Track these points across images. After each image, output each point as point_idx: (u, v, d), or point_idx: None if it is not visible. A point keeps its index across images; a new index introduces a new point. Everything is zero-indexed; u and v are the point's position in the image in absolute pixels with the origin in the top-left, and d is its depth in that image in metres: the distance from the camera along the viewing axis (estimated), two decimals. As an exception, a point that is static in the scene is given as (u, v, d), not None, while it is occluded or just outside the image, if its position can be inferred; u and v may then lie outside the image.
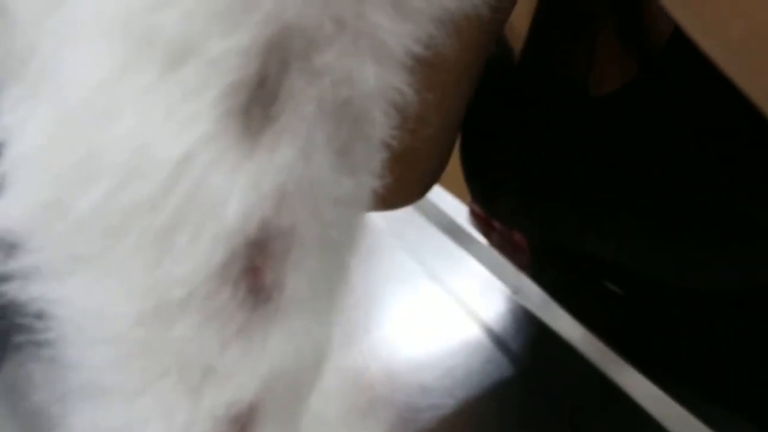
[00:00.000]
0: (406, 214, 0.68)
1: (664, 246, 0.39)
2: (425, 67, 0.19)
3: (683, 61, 0.36)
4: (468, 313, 0.51)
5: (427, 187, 0.44)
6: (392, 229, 0.66)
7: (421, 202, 0.71)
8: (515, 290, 0.52)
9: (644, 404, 0.40)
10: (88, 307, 0.19)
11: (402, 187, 0.41)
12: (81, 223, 0.18)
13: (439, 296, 0.54)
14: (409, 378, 0.46)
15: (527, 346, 0.47)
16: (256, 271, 0.19)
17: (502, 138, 0.45)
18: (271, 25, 0.17)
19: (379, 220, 0.67)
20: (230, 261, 0.18)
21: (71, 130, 0.17)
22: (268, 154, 0.17)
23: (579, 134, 0.41)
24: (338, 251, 0.22)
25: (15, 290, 0.19)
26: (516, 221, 0.51)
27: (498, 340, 0.48)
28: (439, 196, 0.71)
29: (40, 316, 0.20)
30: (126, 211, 0.17)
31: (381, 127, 0.20)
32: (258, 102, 0.17)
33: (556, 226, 0.44)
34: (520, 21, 0.44)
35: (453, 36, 0.19)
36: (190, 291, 0.18)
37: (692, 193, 0.37)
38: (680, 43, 0.36)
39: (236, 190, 0.17)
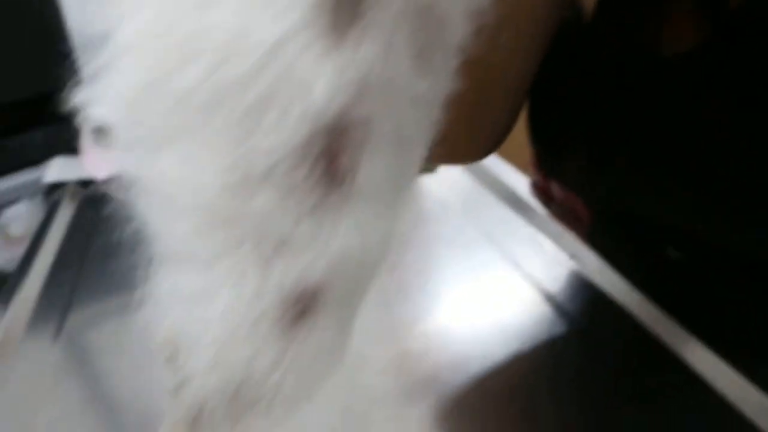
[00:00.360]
0: (469, 184, 0.69)
1: (728, 209, 0.38)
2: None
3: (759, 22, 0.35)
4: (524, 276, 0.52)
5: (494, 143, 0.45)
6: (456, 198, 0.67)
7: (483, 174, 0.72)
8: (572, 255, 0.52)
9: (696, 368, 0.40)
10: (179, 178, 0.21)
11: (471, 137, 0.42)
12: (179, 100, 0.19)
13: (497, 260, 0.56)
14: (464, 330, 0.47)
15: (581, 308, 0.47)
16: (332, 155, 0.20)
17: (570, 100, 0.45)
18: None
19: (444, 189, 0.68)
20: (310, 141, 0.19)
21: (175, 14, 0.19)
22: (353, 47, 0.19)
23: (647, 95, 0.41)
24: (409, 150, 0.23)
25: (114, 163, 0.21)
26: (580, 185, 0.51)
27: (553, 301, 0.48)
28: (499, 167, 0.72)
29: (130, 186, 0.22)
30: (221, 88, 0.19)
31: (459, 34, 0.21)
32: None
33: (621, 188, 0.44)
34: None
35: None
36: (272, 165, 0.19)
37: (760, 158, 0.36)
38: (757, 3, 0.35)
39: (322, 77, 0.18)
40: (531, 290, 0.50)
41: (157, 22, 0.19)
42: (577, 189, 0.53)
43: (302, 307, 0.23)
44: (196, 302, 0.24)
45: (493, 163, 0.72)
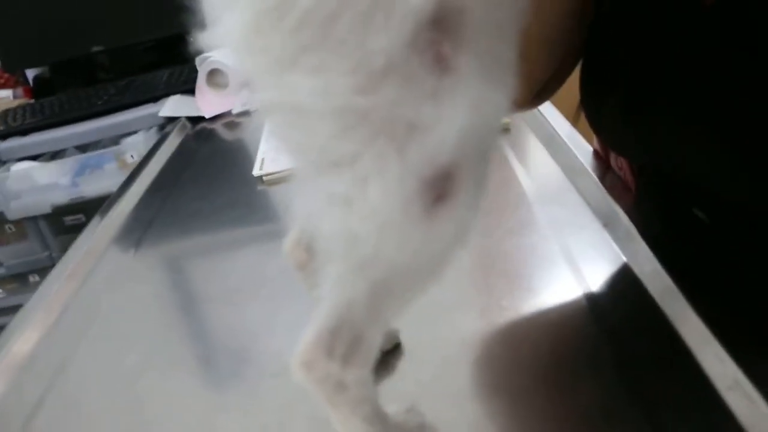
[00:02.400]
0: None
1: (756, 165, 0.37)
2: None
3: None
4: (555, 236, 0.52)
5: (533, 95, 0.45)
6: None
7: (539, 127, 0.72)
8: (605, 222, 0.52)
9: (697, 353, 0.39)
10: (313, 87, 0.24)
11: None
12: (303, 16, 0.22)
13: (535, 218, 0.57)
14: (490, 279, 0.49)
15: (601, 275, 0.47)
16: (438, 43, 0.23)
17: (611, 52, 0.45)
18: None
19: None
20: (415, 35, 0.22)
21: None
22: None
23: (684, 43, 0.40)
24: (503, 33, 0.26)
25: (252, 88, 0.25)
26: (619, 138, 0.51)
27: (574, 264, 0.48)
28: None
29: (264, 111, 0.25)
30: (335, 3, 0.22)
31: None
32: None
33: (656, 140, 0.43)
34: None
35: None
36: (389, 59, 0.23)
37: None
38: None
39: None
40: (556, 249, 0.50)
41: None
42: (617, 144, 0.52)
43: (440, 189, 0.25)
44: (345, 204, 0.26)
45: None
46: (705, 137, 0.39)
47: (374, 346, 0.31)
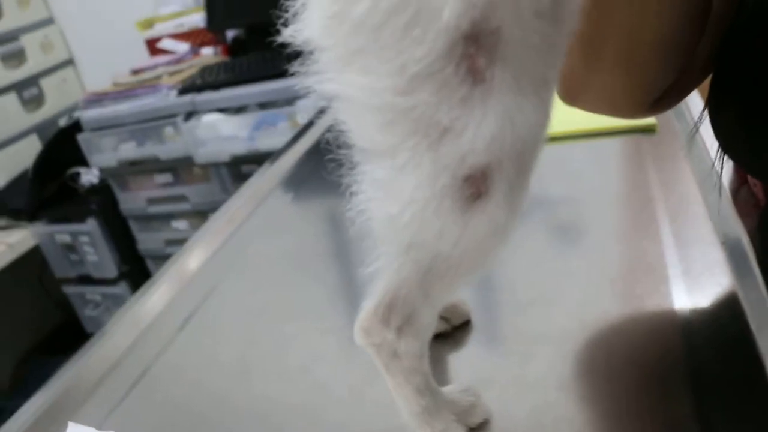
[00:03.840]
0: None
1: None
2: None
3: None
4: (669, 246, 0.52)
5: (654, 102, 0.45)
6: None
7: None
8: (724, 240, 0.51)
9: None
10: (363, 85, 0.27)
11: (629, 91, 0.43)
12: (355, 25, 0.26)
13: (655, 224, 0.56)
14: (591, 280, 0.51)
15: (705, 294, 0.46)
16: (472, 57, 0.26)
17: (743, 64, 0.43)
18: None
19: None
20: (451, 47, 0.26)
21: None
22: None
23: None
24: (540, 55, 0.28)
25: (314, 84, 0.29)
26: (737, 149, 0.49)
27: (680, 278, 0.48)
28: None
29: (333, 100, 0.29)
30: (383, 14, 0.26)
31: None
32: None
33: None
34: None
35: None
36: (427, 66, 0.26)
37: None
38: None
39: (448, 3, 0.25)
40: (675, 260, 0.50)
41: None
42: (731, 150, 0.50)
43: (476, 188, 0.28)
44: (386, 190, 0.29)
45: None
46: None
47: (428, 322, 0.33)
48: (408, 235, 0.30)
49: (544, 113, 0.29)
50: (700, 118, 0.46)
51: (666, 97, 0.46)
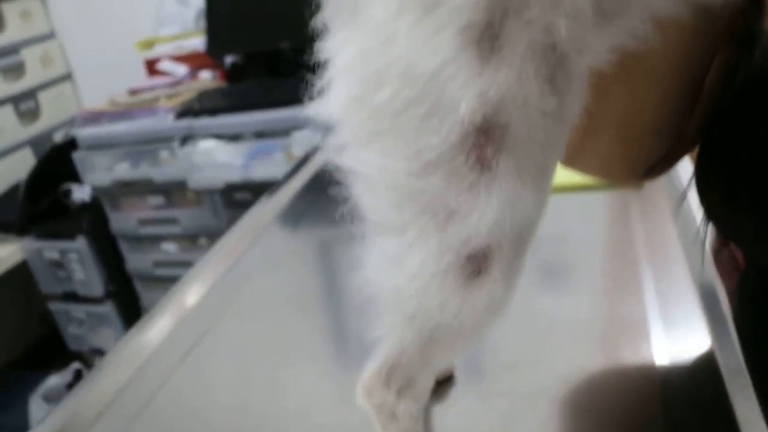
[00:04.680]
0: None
1: None
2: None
3: None
4: (651, 303, 0.54)
5: (648, 171, 0.46)
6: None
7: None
8: (705, 301, 0.53)
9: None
10: (380, 165, 0.29)
11: (624, 160, 0.44)
12: (376, 110, 0.28)
13: (636, 280, 0.58)
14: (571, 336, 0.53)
15: (684, 355, 0.47)
16: (481, 147, 0.28)
17: (729, 138, 0.44)
18: None
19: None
20: (464, 138, 0.28)
21: (369, 50, 0.28)
22: (493, 74, 0.26)
23: None
24: (542, 149, 0.30)
25: (333, 157, 0.30)
26: (721, 219, 0.50)
27: (660, 337, 0.49)
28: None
29: (347, 173, 0.31)
30: (402, 102, 0.27)
31: (582, 67, 0.29)
32: (486, 38, 0.26)
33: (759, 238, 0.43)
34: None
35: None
36: (439, 155, 0.28)
37: None
38: None
39: (467, 96, 0.27)
40: (656, 317, 0.52)
41: (357, 56, 0.29)
42: (717, 222, 0.51)
43: (477, 266, 0.30)
44: (394, 263, 0.31)
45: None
46: None
47: (426, 386, 0.35)
48: (413, 305, 0.31)
49: (541, 200, 0.31)
50: (689, 185, 0.48)
51: (658, 166, 0.48)
